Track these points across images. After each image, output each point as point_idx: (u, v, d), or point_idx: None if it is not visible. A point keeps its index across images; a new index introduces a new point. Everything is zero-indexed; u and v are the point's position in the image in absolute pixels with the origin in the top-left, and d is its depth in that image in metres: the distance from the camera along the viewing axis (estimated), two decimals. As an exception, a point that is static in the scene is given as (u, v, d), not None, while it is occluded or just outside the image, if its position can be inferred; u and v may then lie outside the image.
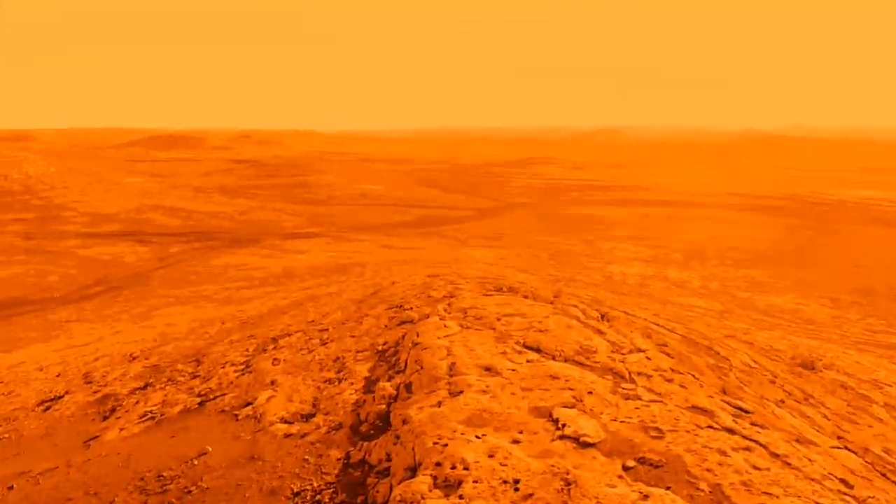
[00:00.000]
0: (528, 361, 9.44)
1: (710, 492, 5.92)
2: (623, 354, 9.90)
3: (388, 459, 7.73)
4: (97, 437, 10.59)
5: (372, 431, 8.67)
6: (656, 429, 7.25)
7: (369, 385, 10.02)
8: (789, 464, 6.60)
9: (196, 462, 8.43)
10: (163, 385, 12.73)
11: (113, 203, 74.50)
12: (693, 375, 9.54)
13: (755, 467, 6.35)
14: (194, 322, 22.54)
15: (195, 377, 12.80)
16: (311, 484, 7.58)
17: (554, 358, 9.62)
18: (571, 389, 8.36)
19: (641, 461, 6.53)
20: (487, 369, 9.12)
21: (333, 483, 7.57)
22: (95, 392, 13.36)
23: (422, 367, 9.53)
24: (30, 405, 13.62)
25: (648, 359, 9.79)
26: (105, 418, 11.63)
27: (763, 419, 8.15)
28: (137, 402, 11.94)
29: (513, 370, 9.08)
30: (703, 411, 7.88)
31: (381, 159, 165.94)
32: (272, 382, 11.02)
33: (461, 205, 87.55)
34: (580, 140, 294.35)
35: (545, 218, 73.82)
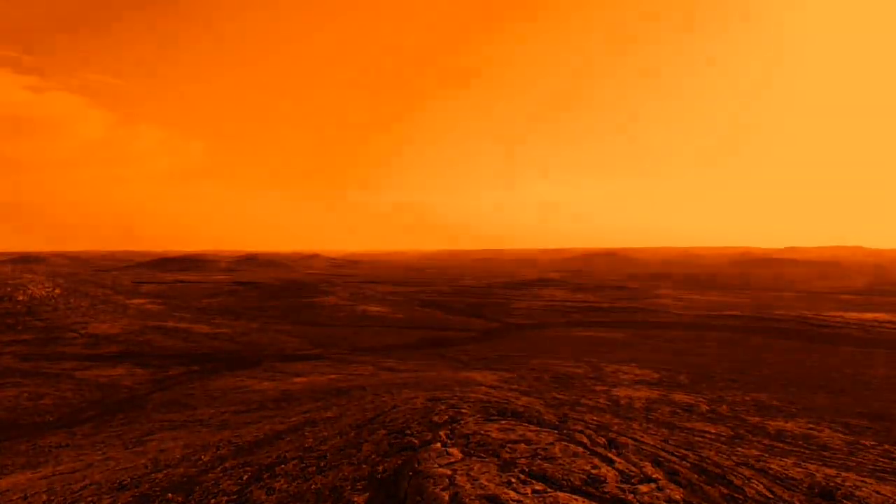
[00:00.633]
0: (534, 492, 9.06)
1: None
2: (633, 484, 9.51)
3: None
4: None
5: (369, 569, 8.18)
6: (671, 567, 6.84)
7: (368, 517, 9.56)
8: None
9: None
10: (151, 517, 12.16)
11: (115, 324, 74.46)
12: (707, 507, 9.12)
13: None
14: (188, 448, 21.85)
15: (186, 508, 12.25)
16: None
17: (561, 488, 9.24)
18: (580, 523, 7.97)
19: None
20: (491, 500, 8.74)
21: None
22: (80, 524, 12.74)
23: (423, 498, 9.13)
24: (10, 539, 12.95)
25: (660, 489, 9.39)
26: (88, 553, 11.02)
27: (784, 556, 7.70)
28: (123, 536, 11.36)
29: (518, 501, 8.69)
30: (720, 547, 7.46)
31: (383, 281, 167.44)
32: (266, 514, 10.53)
33: (463, 326, 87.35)
34: None
35: (547, 339, 73.42)
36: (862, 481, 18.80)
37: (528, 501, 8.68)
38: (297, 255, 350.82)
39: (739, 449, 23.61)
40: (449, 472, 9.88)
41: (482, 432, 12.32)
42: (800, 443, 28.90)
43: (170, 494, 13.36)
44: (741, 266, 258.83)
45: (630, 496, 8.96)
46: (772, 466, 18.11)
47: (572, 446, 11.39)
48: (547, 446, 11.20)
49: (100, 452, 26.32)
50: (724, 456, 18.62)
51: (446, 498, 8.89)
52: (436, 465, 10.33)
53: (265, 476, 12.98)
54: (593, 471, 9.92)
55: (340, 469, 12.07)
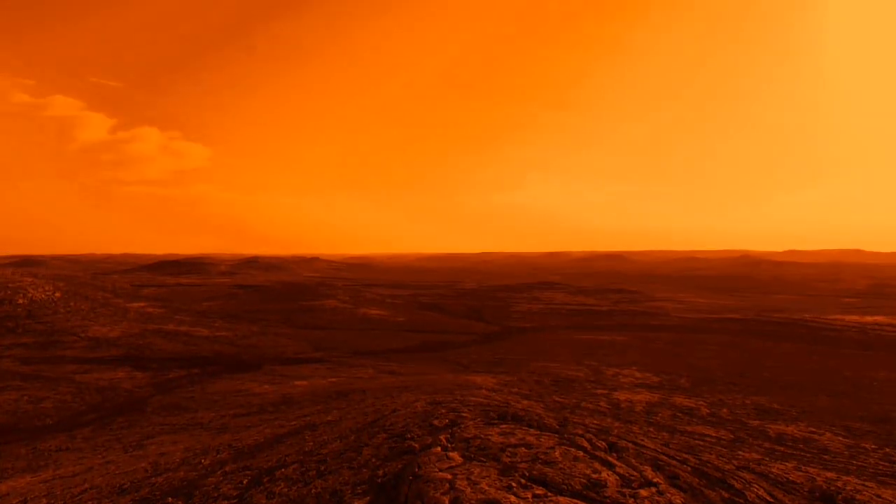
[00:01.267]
0: (534, 496, 9.04)
1: None
2: (633, 489, 9.49)
3: None
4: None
5: (370, 574, 8.16)
6: (672, 572, 6.82)
7: (368, 522, 9.54)
8: None
9: None
10: (151, 521, 12.14)
11: (115, 328, 74.42)
12: (708, 511, 9.10)
13: None
14: (188, 452, 21.84)
15: (186, 512, 12.24)
16: None
17: (561, 492, 9.22)
18: (580, 527, 7.95)
19: None
20: (492, 505, 8.72)
21: None
22: (80, 528, 12.73)
23: (423, 502, 9.11)
24: (10, 543, 12.94)
25: (660, 493, 9.37)
26: (88, 558, 11.00)
27: (785, 561, 7.69)
28: (123, 540, 11.34)
29: (518, 506, 8.68)
30: (721, 552, 7.44)
31: (383, 284, 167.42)
32: (266, 518, 10.51)
33: (463, 329, 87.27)
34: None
35: (547, 342, 73.37)
36: (863, 485, 18.77)
37: (528, 506, 8.66)
38: (297, 258, 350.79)
39: (740, 452, 23.58)
40: (449, 477, 9.86)
41: (482, 436, 12.30)
42: (800, 446, 28.87)
43: (170, 499, 13.35)
44: (741, 269, 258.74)
45: (630, 500, 8.95)
46: (772, 470, 18.09)
47: (573, 450, 11.37)
48: (547, 450, 11.18)
49: (100, 456, 26.29)
50: (725, 460, 18.59)
51: (447, 502, 8.88)
52: (436, 470, 10.31)
53: (265, 480, 12.97)
54: (594, 475, 9.91)
55: (341, 473, 12.05)
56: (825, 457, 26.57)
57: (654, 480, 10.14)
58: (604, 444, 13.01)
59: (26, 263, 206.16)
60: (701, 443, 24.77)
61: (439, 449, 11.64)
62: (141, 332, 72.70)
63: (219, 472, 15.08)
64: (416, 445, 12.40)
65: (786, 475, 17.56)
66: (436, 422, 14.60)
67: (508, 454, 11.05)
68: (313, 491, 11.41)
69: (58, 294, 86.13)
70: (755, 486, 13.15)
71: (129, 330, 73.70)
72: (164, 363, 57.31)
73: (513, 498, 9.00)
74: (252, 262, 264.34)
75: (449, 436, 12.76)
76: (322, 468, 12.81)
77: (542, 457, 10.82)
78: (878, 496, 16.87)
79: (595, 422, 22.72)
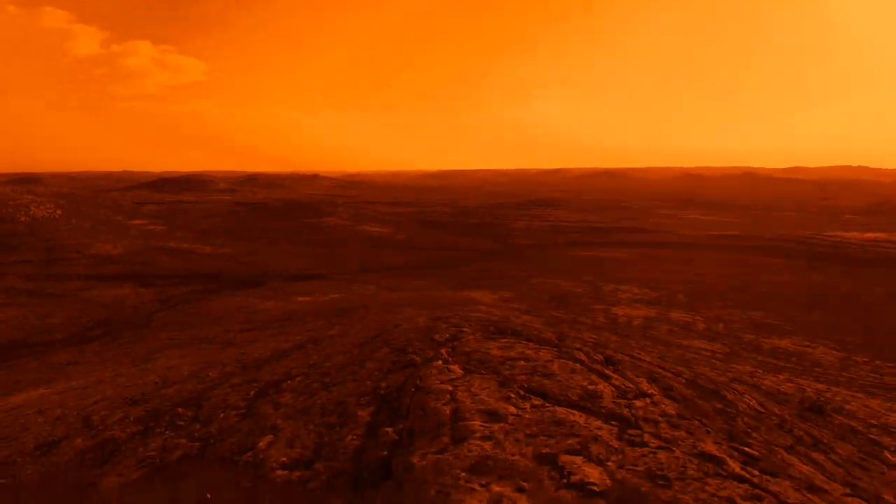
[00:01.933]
0: (532, 407, 9.32)
1: (721, 543, 5.77)
2: (629, 399, 9.77)
3: (391, 508, 7.57)
4: (95, 483, 10.41)
5: (374, 479, 8.51)
6: (664, 477, 7.10)
7: (372, 430, 9.87)
8: (801, 513, 6.45)
9: (195, 510, 8.26)
10: (162, 430, 12.57)
11: (117, 245, 74.83)
12: (700, 421, 9.40)
13: (766, 517, 6.20)
14: (195, 365, 22.39)
15: (196, 421, 12.65)
16: (312, 534, 7.42)
17: (559, 403, 9.50)
18: (577, 436, 8.23)
19: (649, 511, 6.38)
20: (491, 415, 9.00)
21: (334, 533, 7.41)
22: (94, 437, 13.20)
23: (425, 413, 9.41)
24: (28, 450, 13.44)
25: (654, 404, 9.66)
26: (103, 464, 11.45)
27: (772, 466, 7.99)
28: (137, 448, 11.77)
29: (517, 416, 8.96)
30: (711, 458, 7.73)
31: (385, 201, 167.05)
32: (273, 427, 10.87)
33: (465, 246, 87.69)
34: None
35: (548, 259, 73.90)
36: (852, 396, 19.34)
37: (526, 416, 8.95)
38: (297, 175, 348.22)
39: (734, 365, 24.17)
40: (450, 388, 10.14)
41: (482, 350, 12.57)
42: (793, 359, 29.56)
43: (180, 409, 13.77)
44: (744, 186, 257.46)
45: (625, 411, 9.23)
46: (765, 382, 18.59)
47: (570, 363, 11.65)
48: (546, 363, 11.45)
49: (109, 369, 26.99)
50: (719, 372, 19.07)
51: (447, 413, 9.16)
52: (437, 382, 10.59)
53: (272, 392, 13.35)
54: (590, 387, 10.18)
55: (345, 385, 12.39)
56: (817, 369, 27.26)
57: (649, 392, 10.44)
58: (601, 357, 13.31)
59: (24, 181, 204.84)
60: (696, 356, 25.35)
61: (440, 362, 11.92)
62: (143, 250, 73.16)
63: (226, 385, 15.51)
64: (418, 359, 12.69)
65: (777, 387, 18.07)
66: (437, 336, 14.89)
67: (507, 367, 11.33)
68: (318, 402, 11.76)
69: (59, 212, 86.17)
70: (747, 396, 13.54)
71: (132, 247, 74.14)
72: (167, 280, 57.96)
73: (511, 408, 9.29)
74: (252, 180, 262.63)
75: (450, 350, 13.04)
76: (327, 381, 13.16)
77: (541, 369, 11.10)
78: (866, 406, 17.41)
79: (593, 336, 23.17)
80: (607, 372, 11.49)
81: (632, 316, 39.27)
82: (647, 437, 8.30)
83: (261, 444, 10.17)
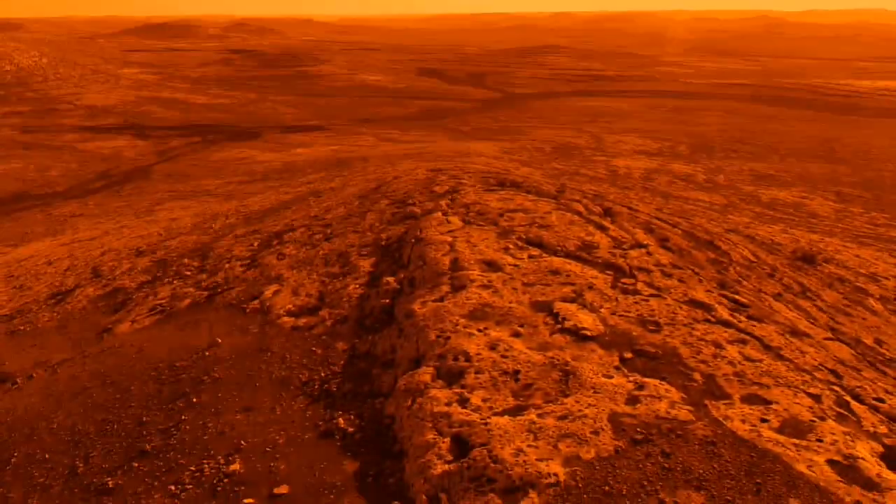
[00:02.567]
0: (529, 257, 9.53)
1: (704, 382, 6.13)
2: (624, 250, 9.97)
3: (393, 351, 7.97)
4: (110, 329, 10.89)
5: (377, 325, 8.90)
6: (654, 322, 7.41)
7: (373, 280, 10.17)
8: (782, 356, 6.79)
9: (207, 354, 8.71)
10: (170, 279, 12.94)
11: (110, 95, 73.05)
12: (693, 270, 9.65)
13: (748, 359, 6.54)
14: (198, 217, 22.64)
15: (202, 271, 13.00)
16: (319, 374, 7.86)
17: (556, 253, 9.70)
18: (572, 284, 8.49)
19: (638, 353, 6.72)
20: (489, 265, 9.23)
21: (340, 373, 7.85)
22: (105, 286, 13.62)
23: (425, 263, 9.63)
24: (42, 298, 13.93)
25: (649, 254, 9.86)
26: (116, 311, 11.91)
27: (759, 312, 8.32)
28: (147, 296, 12.18)
29: (514, 265, 9.19)
30: (701, 305, 8.02)
31: (382, 48, 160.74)
32: (278, 277, 11.19)
33: (464, 96, 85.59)
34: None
35: (550, 109, 72.43)
36: (844, 246, 19.70)
37: (523, 266, 9.18)
38: (289, 19, 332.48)
39: (731, 217, 24.42)
40: (449, 239, 10.31)
41: (481, 202, 12.64)
42: (790, 210, 29.82)
43: (186, 259, 14.10)
44: (757, 31, 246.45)
45: (620, 260, 9.44)
46: (759, 233, 18.87)
47: (568, 215, 11.75)
48: (544, 215, 11.55)
49: (113, 221, 27.33)
50: (715, 223, 19.30)
51: (447, 263, 9.38)
52: (437, 233, 10.74)
53: (275, 243, 13.60)
54: (587, 237, 10.35)
55: (346, 237, 12.59)
56: (812, 220, 27.58)
57: (645, 242, 10.63)
58: (599, 208, 13.41)
59: (3, 28, 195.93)
60: (694, 208, 25.54)
61: (440, 214, 12.03)
62: (137, 100, 71.50)
63: (230, 236, 15.77)
64: (418, 210, 12.79)
65: (771, 237, 18.37)
66: (436, 188, 14.92)
67: (506, 219, 11.45)
68: (321, 253, 12.02)
69: (45, 60, 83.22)
70: (740, 247, 13.81)
71: (125, 97, 72.41)
72: (164, 131, 57.15)
73: (509, 258, 9.50)
74: (242, 25, 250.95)
75: (449, 201, 13.11)
76: (328, 232, 13.36)
77: (539, 221, 11.22)
78: (858, 256, 17.79)
79: (592, 188, 23.23)
80: (605, 223, 11.63)
81: (632, 167, 39.08)
82: (640, 286, 8.57)
83: (267, 292, 10.51)
